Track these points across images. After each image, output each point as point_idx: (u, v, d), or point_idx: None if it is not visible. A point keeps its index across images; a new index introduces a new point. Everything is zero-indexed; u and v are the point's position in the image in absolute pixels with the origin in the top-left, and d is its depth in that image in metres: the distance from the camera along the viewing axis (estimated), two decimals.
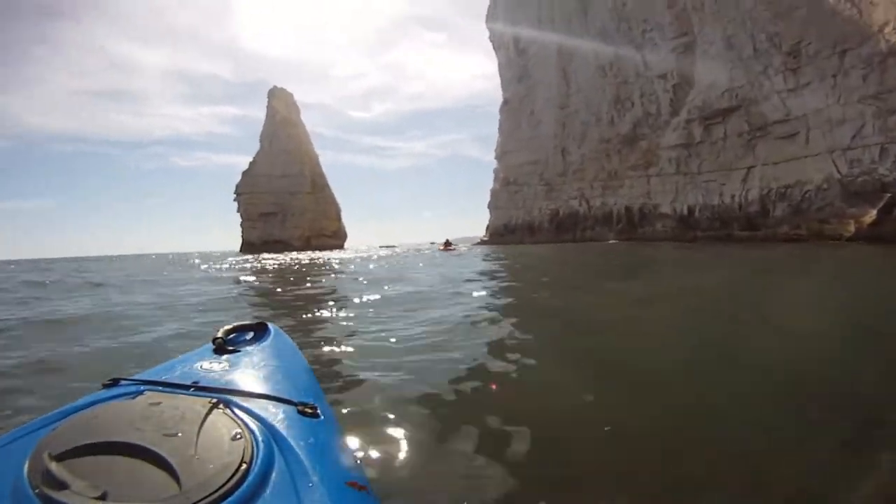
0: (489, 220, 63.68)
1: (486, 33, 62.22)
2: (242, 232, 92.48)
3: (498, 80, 61.71)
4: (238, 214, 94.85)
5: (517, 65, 55.68)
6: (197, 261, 36.27)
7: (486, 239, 61.81)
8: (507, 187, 57.21)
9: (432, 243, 56.23)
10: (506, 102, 59.49)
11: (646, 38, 36.56)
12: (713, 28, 29.82)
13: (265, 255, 47.13)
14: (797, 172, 25.04)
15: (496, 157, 62.25)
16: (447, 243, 42.70)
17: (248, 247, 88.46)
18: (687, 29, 32.70)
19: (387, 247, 75.09)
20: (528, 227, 52.52)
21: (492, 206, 62.10)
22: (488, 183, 62.44)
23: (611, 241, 36.20)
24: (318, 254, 47.09)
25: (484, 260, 20.82)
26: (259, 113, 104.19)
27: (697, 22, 31.51)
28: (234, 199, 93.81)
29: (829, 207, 22.67)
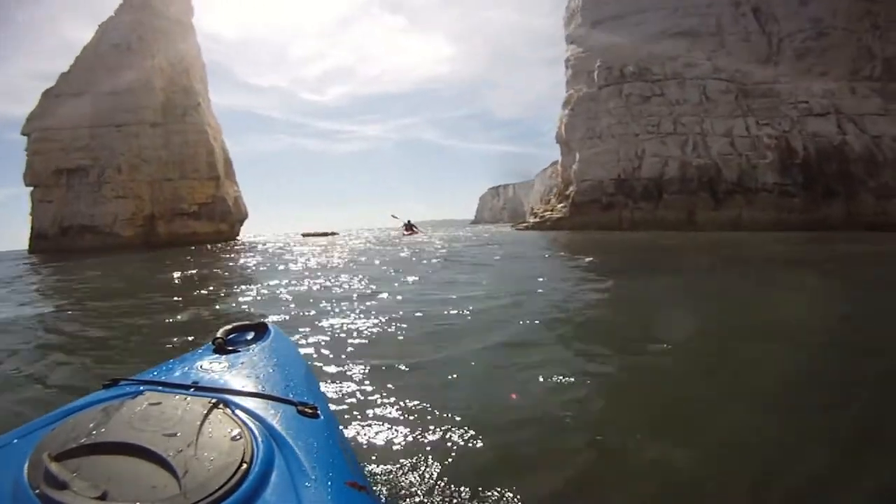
0: (552, 187, 40.55)
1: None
2: (32, 212, 42.31)
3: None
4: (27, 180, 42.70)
5: None
6: None
7: (539, 220, 35.51)
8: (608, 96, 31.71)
9: (403, 227, 36.44)
10: None
11: None
12: None
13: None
14: None
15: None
16: (409, 226, 35.04)
17: (40, 241, 40.82)
18: None
19: (316, 234, 46.11)
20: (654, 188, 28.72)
21: (564, 150, 35.61)
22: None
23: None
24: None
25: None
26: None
27: None
28: (25, 150, 42.81)
29: None
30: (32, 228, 42.09)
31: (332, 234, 47.20)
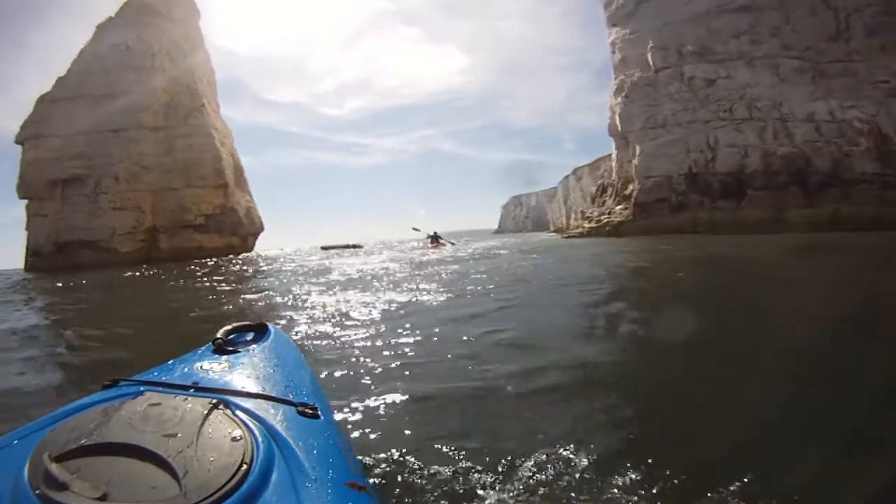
0: (605, 184, 36.67)
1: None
2: (28, 227, 38.62)
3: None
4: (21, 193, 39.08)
5: None
6: None
7: (595, 225, 32.11)
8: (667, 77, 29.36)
9: (428, 238, 33.00)
10: None
11: None
12: None
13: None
14: None
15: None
16: (434, 238, 31.76)
17: (36, 258, 37.04)
18: None
19: (336, 247, 41.72)
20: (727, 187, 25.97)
21: (620, 144, 32.90)
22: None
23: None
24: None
25: None
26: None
27: None
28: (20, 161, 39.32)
29: None
30: (28, 245, 38.14)
31: (356, 246, 40.95)
